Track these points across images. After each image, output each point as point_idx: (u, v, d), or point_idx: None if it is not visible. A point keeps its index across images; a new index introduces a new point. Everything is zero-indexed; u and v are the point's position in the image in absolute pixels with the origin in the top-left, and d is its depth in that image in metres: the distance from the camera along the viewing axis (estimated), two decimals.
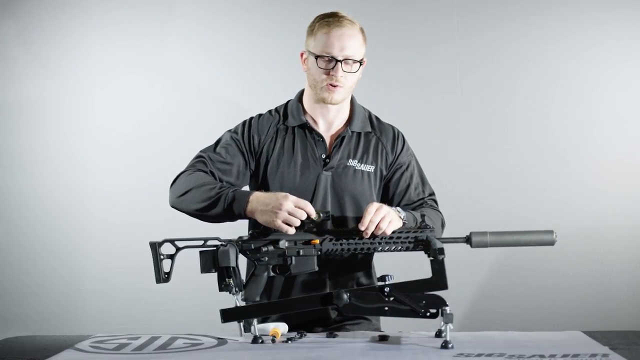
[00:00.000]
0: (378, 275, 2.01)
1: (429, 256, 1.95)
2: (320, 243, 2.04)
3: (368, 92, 3.29)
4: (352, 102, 2.34)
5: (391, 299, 1.92)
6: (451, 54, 3.48)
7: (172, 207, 2.24)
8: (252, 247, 2.04)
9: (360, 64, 2.23)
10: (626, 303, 3.40)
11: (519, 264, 3.39)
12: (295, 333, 2.07)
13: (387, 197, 2.31)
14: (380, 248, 2.03)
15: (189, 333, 2.15)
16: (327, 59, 2.19)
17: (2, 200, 3.56)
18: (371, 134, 2.32)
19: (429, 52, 3.49)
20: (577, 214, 3.39)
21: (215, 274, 2.02)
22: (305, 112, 2.30)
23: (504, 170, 3.46)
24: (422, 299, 1.90)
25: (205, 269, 2.03)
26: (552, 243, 2.00)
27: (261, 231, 2.07)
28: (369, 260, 2.35)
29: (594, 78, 3.43)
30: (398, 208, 2.12)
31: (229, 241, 2.03)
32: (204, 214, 2.17)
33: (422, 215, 2.02)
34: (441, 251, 1.91)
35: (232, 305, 2.01)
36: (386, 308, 1.93)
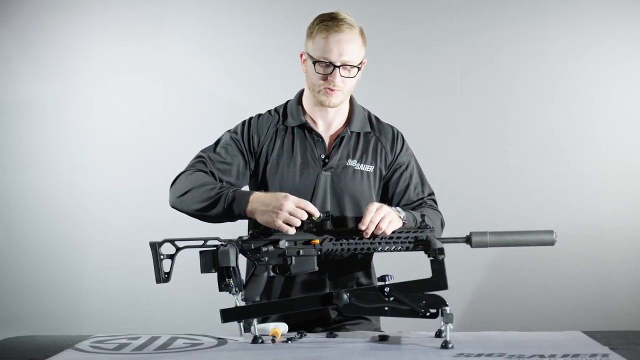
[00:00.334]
0: (378, 275, 2.01)
1: (429, 256, 1.95)
2: (320, 243, 2.04)
3: (368, 92, 3.29)
4: (352, 102, 2.33)
5: (391, 299, 1.92)
6: (451, 54, 3.48)
7: (172, 207, 2.24)
8: (252, 247, 2.04)
9: (359, 69, 2.22)
10: (626, 303, 3.40)
11: (519, 264, 3.39)
12: (295, 333, 2.07)
13: (386, 197, 2.31)
14: (380, 248, 2.03)
15: (189, 333, 2.15)
16: (324, 64, 2.18)
17: (2, 200, 3.56)
18: (370, 134, 2.32)
19: (429, 52, 3.49)
20: (577, 214, 3.39)
21: (215, 274, 2.02)
22: (304, 112, 2.30)
23: (504, 170, 3.46)
24: (422, 299, 1.90)
25: (205, 269, 2.03)
26: (552, 243, 2.01)
27: (261, 231, 2.07)
28: (369, 260, 2.35)
29: (594, 78, 3.43)
30: (398, 208, 2.12)
31: (229, 241, 2.03)
32: (204, 214, 2.17)
33: (422, 215, 2.02)
34: (441, 251, 1.91)
35: (232, 305, 2.01)
36: (386, 308, 1.93)
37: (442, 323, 1.88)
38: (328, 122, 2.30)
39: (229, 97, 3.52)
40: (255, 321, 2.01)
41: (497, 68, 3.47)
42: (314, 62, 2.19)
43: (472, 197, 3.43)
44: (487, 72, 3.47)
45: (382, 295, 1.92)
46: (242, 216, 2.12)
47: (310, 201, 2.14)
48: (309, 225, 2.04)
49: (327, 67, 2.19)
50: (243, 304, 2.02)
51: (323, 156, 2.27)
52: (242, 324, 2.00)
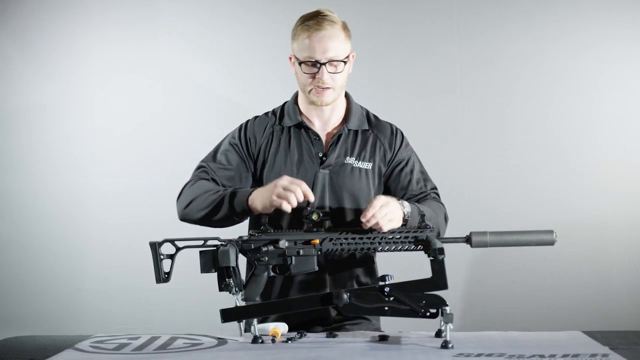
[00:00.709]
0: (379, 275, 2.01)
1: (429, 256, 1.95)
2: (320, 243, 2.04)
3: (368, 92, 3.29)
4: (349, 100, 2.35)
5: (391, 299, 1.92)
6: (451, 54, 3.48)
7: (182, 220, 2.27)
8: (252, 247, 2.04)
9: (345, 63, 2.23)
10: (626, 303, 3.40)
11: (519, 264, 3.39)
12: (295, 333, 2.07)
13: (389, 194, 2.30)
14: (380, 248, 2.03)
15: (189, 333, 2.15)
16: (310, 63, 2.20)
17: (2, 200, 3.56)
18: (368, 132, 2.32)
19: (429, 52, 3.49)
20: (577, 214, 3.39)
21: (215, 274, 2.02)
22: (301, 113, 2.31)
23: (504, 170, 3.46)
24: (422, 299, 1.90)
25: (205, 269, 2.03)
26: (552, 243, 2.00)
27: (261, 231, 2.07)
28: (370, 260, 2.35)
29: (594, 78, 3.43)
30: (404, 202, 2.11)
31: (229, 241, 2.03)
32: (210, 219, 2.19)
33: (422, 215, 2.02)
34: (441, 251, 1.91)
35: (232, 305, 2.01)
36: (386, 308, 1.93)
37: (442, 323, 1.88)
38: (324, 120, 2.31)
39: (229, 97, 3.52)
40: (255, 321, 2.01)
41: (497, 68, 3.47)
42: (300, 63, 2.21)
43: (472, 197, 3.43)
44: (487, 72, 3.47)
45: (382, 295, 1.92)
46: (246, 211, 2.13)
47: None
48: (309, 225, 2.04)
49: (313, 66, 2.20)
50: (243, 304, 2.02)
51: (321, 154, 2.27)
52: (242, 324, 2.01)
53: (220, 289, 2.02)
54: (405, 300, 1.91)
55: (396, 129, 2.36)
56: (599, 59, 3.43)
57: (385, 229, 2.02)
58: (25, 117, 3.55)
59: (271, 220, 2.11)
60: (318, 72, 2.20)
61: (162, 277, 2.06)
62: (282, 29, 3.47)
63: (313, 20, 2.21)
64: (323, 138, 2.30)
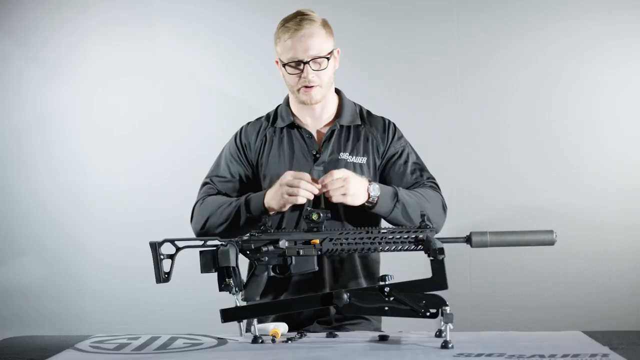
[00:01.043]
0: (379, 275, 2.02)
1: (429, 256, 1.95)
2: (320, 243, 2.04)
3: (368, 92, 3.31)
4: (341, 97, 2.38)
5: (391, 299, 1.92)
6: (451, 54, 3.47)
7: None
8: (252, 247, 2.05)
9: (329, 59, 2.25)
10: (626, 303, 3.40)
11: (519, 264, 3.39)
12: (295, 333, 2.07)
13: (384, 180, 2.33)
14: (380, 248, 2.03)
15: (189, 333, 2.15)
16: (294, 63, 2.23)
17: (2, 200, 3.55)
18: (361, 127, 2.35)
19: (429, 52, 3.48)
20: (577, 214, 3.38)
21: (215, 274, 2.03)
22: (293, 114, 2.35)
23: (504, 170, 3.45)
24: (422, 299, 1.90)
25: (205, 269, 2.03)
26: (552, 243, 2.00)
27: (261, 231, 2.07)
28: (370, 260, 2.36)
29: (594, 78, 3.43)
30: (375, 185, 2.15)
31: (229, 241, 2.04)
32: (231, 231, 2.21)
33: (422, 215, 2.02)
34: (441, 251, 1.91)
35: (232, 305, 2.01)
36: (386, 308, 1.93)
37: (442, 323, 1.88)
38: (316, 118, 2.34)
39: (229, 96, 3.52)
40: (255, 321, 2.01)
41: (497, 68, 3.46)
42: (285, 65, 2.25)
43: (472, 197, 3.43)
44: (487, 72, 3.47)
45: (382, 295, 1.92)
46: (264, 213, 2.16)
47: None
48: (310, 225, 2.04)
49: (297, 66, 2.24)
50: (243, 304, 2.02)
51: (314, 152, 2.29)
52: (242, 324, 2.01)
53: (220, 289, 2.02)
54: (405, 300, 1.91)
55: (389, 122, 2.39)
56: (599, 59, 3.42)
57: (335, 200, 2.08)
58: (25, 117, 3.55)
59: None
60: (303, 71, 2.23)
61: (162, 277, 2.06)
62: None
63: (293, 21, 2.25)
64: (316, 136, 2.32)
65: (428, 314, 1.90)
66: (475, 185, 3.44)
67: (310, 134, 2.32)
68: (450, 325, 1.88)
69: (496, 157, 3.46)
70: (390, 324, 2.32)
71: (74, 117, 3.55)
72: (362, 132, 2.34)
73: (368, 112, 2.40)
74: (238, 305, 2.01)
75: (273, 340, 2.00)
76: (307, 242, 2.04)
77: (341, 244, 2.04)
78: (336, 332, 2.10)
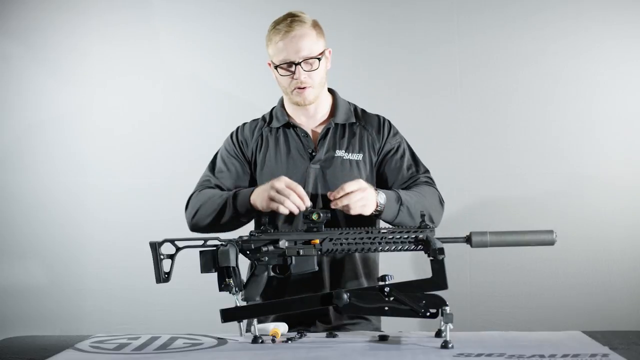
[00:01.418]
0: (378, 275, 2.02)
1: (429, 256, 1.95)
2: (320, 243, 2.04)
3: (368, 92, 3.32)
4: (335, 96, 2.40)
5: (391, 299, 1.92)
6: (451, 54, 3.47)
7: (192, 230, 2.31)
8: (252, 247, 2.05)
9: (320, 59, 2.27)
10: (626, 303, 3.39)
11: (519, 264, 3.39)
12: (295, 333, 2.07)
13: (382, 181, 2.34)
14: (380, 248, 2.03)
15: (189, 333, 2.15)
16: (286, 65, 2.26)
17: (2, 200, 3.55)
18: (356, 125, 2.37)
19: (429, 52, 3.48)
20: (577, 214, 3.38)
21: (215, 274, 2.03)
22: (288, 114, 2.37)
23: (504, 170, 3.45)
24: (422, 299, 1.90)
25: (205, 269, 2.03)
26: (552, 243, 2.00)
27: (261, 231, 2.07)
28: (370, 260, 2.36)
29: (594, 78, 3.43)
30: (381, 193, 2.14)
31: (229, 241, 2.04)
32: (217, 223, 2.23)
33: (422, 215, 2.03)
34: (441, 251, 1.91)
35: (232, 305, 2.01)
36: (386, 308, 1.93)
37: (442, 323, 1.88)
38: (310, 117, 2.36)
39: (229, 96, 3.52)
40: (255, 321, 2.01)
41: (497, 68, 3.46)
42: (277, 67, 2.27)
43: (472, 197, 3.43)
44: (487, 72, 3.47)
45: (382, 295, 1.92)
46: (250, 210, 2.16)
47: None
48: (310, 225, 2.04)
49: (289, 68, 2.26)
50: (243, 304, 2.03)
51: (310, 150, 2.30)
52: (242, 324, 2.01)
53: (220, 289, 2.02)
54: (405, 300, 1.91)
55: (383, 118, 2.40)
56: (599, 59, 3.42)
57: (354, 212, 2.07)
58: (25, 117, 3.55)
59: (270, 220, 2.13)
60: (295, 72, 2.25)
61: (162, 277, 2.06)
62: None
63: (283, 23, 2.27)
64: (311, 134, 2.34)
65: (428, 314, 1.90)
66: (475, 185, 3.44)
67: (306, 133, 2.34)
68: (450, 325, 1.88)
69: (496, 157, 3.46)
70: (390, 324, 2.32)
71: (74, 117, 3.55)
72: (357, 129, 2.36)
73: (362, 110, 2.42)
74: (238, 305, 2.01)
75: (273, 340, 2.01)
76: (307, 242, 2.04)
77: (341, 244, 2.04)
78: (336, 332, 2.10)
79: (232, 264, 2.00)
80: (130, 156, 3.54)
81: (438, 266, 1.91)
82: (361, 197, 2.07)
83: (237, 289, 2.00)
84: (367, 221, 2.15)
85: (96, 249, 3.52)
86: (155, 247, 2.06)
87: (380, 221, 2.27)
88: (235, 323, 2.01)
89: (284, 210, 2.09)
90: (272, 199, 2.09)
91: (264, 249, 2.04)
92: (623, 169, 3.40)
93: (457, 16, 3.47)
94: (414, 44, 3.48)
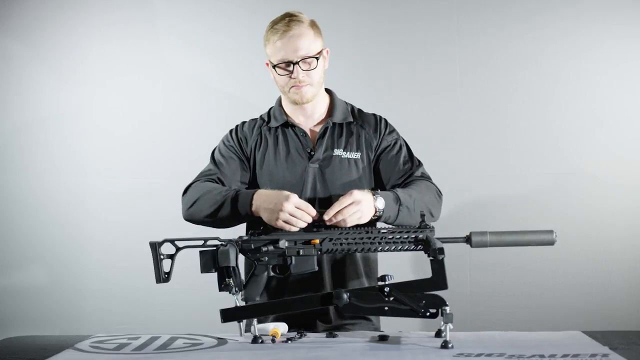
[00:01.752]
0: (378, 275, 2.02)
1: (429, 256, 1.95)
2: (320, 243, 2.04)
3: (368, 92, 3.32)
4: (332, 96, 2.41)
5: (391, 299, 1.92)
6: (451, 53, 3.47)
7: (186, 220, 2.30)
8: (252, 247, 2.05)
9: (318, 59, 2.27)
10: (626, 303, 3.40)
11: (519, 264, 3.39)
12: (295, 333, 2.07)
13: (379, 178, 2.35)
14: (380, 248, 2.03)
15: (189, 333, 2.15)
16: (284, 64, 2.26)
17: (2, 200, 3.55)
18: (353, 124, 2.38)
19: (429, 52, 3.48)
20: (577, 214, 3.38)
21: (215, 274, 2.03)
22: (286, 114, 2.37)
23: (504, 170, 3.45)
24: (422, 299, 1.90)
25: (205, 269, 2.03)
26: (552, 243, 2.01)
27: (261, 231, 2.07)
28: (369, 260, 2.36)
29: (594, 78, 3.43)
30: (379, 199, 2.12)
31: (229, 241, 2.04)
32: (214, 219, 2.22)
33: (422, 215, 2.03)
34: (441, 251, 1.92)
35: (232, 305, 2.01)
36: (386, 308, 1.93)
37: (442, 323, 1.88)
38: (308, 117, 2.37)
39: (229, 96, 3.52)
40: (255, 321, 2.01)
41: (497, 68, 3.46)
42: (275, 67, 2.28)
43: (472, 197, 3.43)
44: (487, 72, 3.47)
45: (382, 295, 1.92)
46: (249, 215, 2.16)
47: (301, 194, 2.22)
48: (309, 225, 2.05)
49: (287, 67, 2.27)
50: (243, 304, 2.03)
51: (309, 149, 2.30)
52: (242, 324, 2.01)
53: (220, 289, 2.02)
54: (405, 300, 1.91)
55: (380, 117, 2.42)
56: (599, 58, 3.42)
57: (351, 224, 2.05)
58: (25, 116, 3.55)
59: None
60: (293, 71, 2.25)
61: (162, 277, 2.06)
62: None
63: (281, 23, 2.28)
64: (310, 134, 2.34)
65: (428, 314, 1.90)
66: (475, 185, 3.44)
67: (305, 132, 2.35)
68: (450, 325, 1.88)
69: (496, 157, 3.46)
70: (390, 324, 2.32)
71: (74, 117, 3.55)
72: (354, 128, 2.37)
73: (359, 110, 2.43)
74: (238, 305, 2.01)
75: (273, 340, 2.01)
76: (307, 242, 2.04)
77: (341, 244, 2.04)
78: (336, 332, 2.10)
79: (232, 264, 2.00)
80: (130, 156, 3.54)
81: (438, 266, 1.91)
82: (355, 210, 2.05)
83: (237, 289, 2.00)
84: (367, 222, 2.14)
85: (96, 249, 3.52)
86: (155, 247, 2.06)
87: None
88: (235, 323, 2.01)
89: (294, 230, 2.07)
90: (283, 221, 2.06)
91: (264, 249, 2.04)
92: (623, 169, 3.40)
93: (457, 16, 3.47)
94: (414, 44, 3.48)
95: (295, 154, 2.33)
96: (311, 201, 2.16)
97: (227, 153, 2.36)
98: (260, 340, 1.99)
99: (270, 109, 2.43)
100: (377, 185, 2.35)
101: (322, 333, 2.13)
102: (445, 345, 1.88)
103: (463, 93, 3.48)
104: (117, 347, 2.02)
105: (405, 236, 2.01)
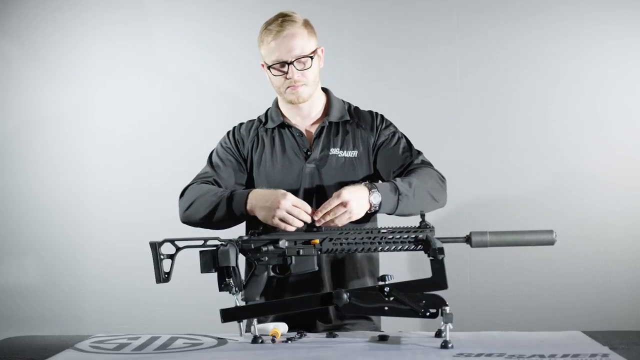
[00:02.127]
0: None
1: (429, 256, 1.95)
2: (320, 243, 2.04)
3: (368, 92, 3.32)
4: (329, 95, 2.41)
5: (391, 298, 1.92)
6: (451, 54, 3.47)
7: (184, 222, 2.30)
8: (252, 247, 2.05)
9: (312, 58, 2.27)
10: (626, 303, 3.40)
11: (519, 264, 3.39)
12: (295, 333, 2.07)
13: (379, 174, 2.34)
14: (380, 248, 2.03)
15: (189, 333, 2.15)
16: (279, 65, 2.26)
17: (2, 200, 3.55)
18: (350, 122, 2.38)
19: (429, 52, 3.48)
20: (577, 214, 3.38)
21: (215, 274, 2.03)
22: (283, 114, 2.38)
23: (504, 170, 3.45)
24: (422, 298, 1.90)
25: (205, 269, 2.03)
26: (552, 243, 2.00)
27: (261, 231, 2.07)
28: (369, 260, 2.36)
29: (594, 78, 3.43)
30: (375, 193, 2.09)
31: (229, 241, 2.04)
32: (210, 221, 2.21)
33: (422, 215, 2.03)
34: (441, 251, 1.91)
35: (232, 305, 2.01)
36: (386, 308, 1.93)
37: (442, 323, 1.88)
38: (305, 117, 2.37)
39: (229, 96, 3.52)
40: (255, 321, 2.01)
41: (497, 68, 3.46)
42: (270, 67, 2.28)
43: (472, 197, 3.43)
44: (487, 72, 3.47)
45: (382, 295, 1.92)
46: (244, 215, 2.15)
47: (298, 194, 2.21)
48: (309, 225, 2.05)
49: (282, 67, 2.27)
50: (243, 304, 2.03)
51: (305, 149, 2.31)
52: (242, 324, 2.01)
53: (220, 289, 2.02)
54: (405, 300, 1.91)
55: (376, 113, 2.42)
56: (599, 58, 3.42)
57: (341, 224, 2.05)
58: (25, 116, 3.55)
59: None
60: (288, 71, 2.25)
61: (162, 277, 2.06)
62: None
63: (274, 24, 2.28)
64: (306, 134, 2.35)
65: (428, 314, 1.90)
66: (475, 185, 3.44)
67: (301, 133, 2.35)
68: (450, 325, 1.88)
69: (496, 157, 3.46)
70: (390, 324, 2.32)
71: (74, 117, 3.55)
72: (351, 127, 2.37)
73: (356, 107, 2.43)
74: (238, 305, 2.01)
75: (273, 340, 2.01)
76: (307, 242, 2.04)
77: (341, 243, 2.04)
78: (336, 332, 2.10)
79: (232, 264, 2.00)
80: (130, 156, 3.54)
81: (438, 266, 1.91)
82: (343, 211, 2.04)
83: (237, 289, 2.00)
84: (364, 217, 2.13)
85: (96, 249, 3.52)
86: (155, 247, 2.06)
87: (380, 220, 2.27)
88: (235, 323, 2.01)
89: (291, 229, 2.07)
90: (280, 219, 2.06)
91: (264, 249, 2.04)
92: (623, 169, 3.40)
93: (457, 16, 3.47)
94: (414, 44, 3.48)
95: (292, 155, 2.33)
96: (308, 201, 2.15)
97: (225, 155, 2.37)
98: (260, 340, 1.99)
99: (268, 110, 2.43)
100: (379, 176, 2.34)
101: (322, 333, 2.13)
102: (445, 345, 1.88)
103: (463, 93, 3.48)
104: (117, 347, 2.02)
105: (405, 236, 2.01)
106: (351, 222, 2.09)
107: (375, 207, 2.11)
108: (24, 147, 3.55)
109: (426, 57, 3.48)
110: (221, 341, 2.05)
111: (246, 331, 2.02)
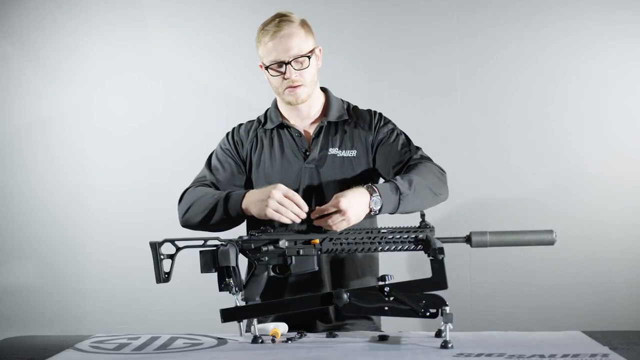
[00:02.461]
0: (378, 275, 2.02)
1: (429, 256, 1.95)
2: (320, 243, 2.04)
3: (368, 92, 3.32)
4: (327, 94, 2.41)
5: (391, 298, 1.92)
6: (451, 54, 3.47)
7: (183, 226, 2.31)
8: (252, 247, 2.05)
9: (310, 57, 2.27)
10: (626, 303, 3.40)
11: (519, 264, 3.39)
12: (295, 333, 2.07)
13: (378, 171, 2.34)
14: (380, 248, 2.03)
15: (189, 333, 2.15)
16: (277, 65, 2.26)
17: (2, 200, 3.55)
18: (349, 121, 2.37)
19: (429, 52, 3.48)
20: (577, 214, 3.38)
21: (215, 273, 2.03)
22: (282, 115, 2.38)
23: (504, 170, 3.45)
24: (422, 298, 1.90)
25: (205, 268, 2.03)
26: (552, 243, 2.01)
27: (261, 231, 2.07)
28: (369, 260, 2.36)
29: (594, 78, 3.43)
30: (375, 198, 2.07)
31: (229, 241, 2.04)
32: (208, 223, 2.22)
33: (422, 215, 2.03)
34: (441, 251, 1.91)
35: (232, 305, 2.01)
36: (386, 308, 1.93)
37: (442, 323, 1.88)
38: (304, 117, 2.37)
39: (229, 96, 3.52)
40: (255, 321, 2.01)
41: (497, 68, 3.46)
42: (267, 68, 2.28)
43: (472, 197, 3.43)
44: (487, 72, 3.47)
45: (382, 295, 1.92)
46: (241, 215, 2.15)
47: (298, 194, 2.18)
48: (308, 224, 2.05)
49: (280, 67, 2.27)
50: (243, 303, 2.03)
51: (304, 150, 2.31)
52: (242, 324, 2.01)
53: (220, 289, 2.02)
54: (405, 300, 1.91)
55: (374, 112, 2.42)
56: (599, 59, 3.42)
57: (338, 230, 2.02)
58: (25, 117, 3.55)
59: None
60: (285, 72, 2.25)
61: (162, 277, 2.06)
62: None
63: (272, 24, 2.28)
64: (305, 134, 2.35)
65: (428, 314, 1.90)
66: (475, 185, 3.44)
67: (300, 133, 2.35)
68: (450, 325, 1.88)
69: (496, 157, 3.46)
70: (390, 324, 2.32)
71: (74, 117, 3.55)
72: (349, 126, 2.37)
73: (355, 107, 2.43)
74: (238, 305, 2.01)
75: (273, 340, 2.01)
76: (307, 242, 2.04)
77: (341, 243, 2.04)
78: (336, 332, 2.10)
79: (232, 263, 2.00)
80: (130, 156, 3.54)
81: (438, 266, 1.91)
82: (341, 219, 2.02)
83: (237, 288, 2.00)
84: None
85: (96, 249, 3.52)
86: (155, 247, 2.06)
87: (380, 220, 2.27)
88: (235, 323, 2.01)
89: (286, 221, 2.07)
90: (273, 209, 2.06)
91: (264, 248, 2.04)
92: (623, 169, 3.40)
93: (457, 16, 3.47)
94: (414, 44, 3.48)
95: (291, 155, 2.33)
96: (307, 201, 2.14)
97: (223, 157, 2.37)
98: (260, 340, 1.99)
99: (267, 110, 2.43)
100: (378, 173, 2.34)
101: (322, 333, 2.13)
102: (445, 345, 1.88)
103: (463, 93, 3.48)
104: (117, 347, 2.02)
105: (405, 236, 2.01)
106: None
107: (376, 212, 2.10)
108: (24, 148, 3.55)
109: (426, 57, 3.48)
110: (221, 341, 2.05)
111: (246, 331, 2.02)
